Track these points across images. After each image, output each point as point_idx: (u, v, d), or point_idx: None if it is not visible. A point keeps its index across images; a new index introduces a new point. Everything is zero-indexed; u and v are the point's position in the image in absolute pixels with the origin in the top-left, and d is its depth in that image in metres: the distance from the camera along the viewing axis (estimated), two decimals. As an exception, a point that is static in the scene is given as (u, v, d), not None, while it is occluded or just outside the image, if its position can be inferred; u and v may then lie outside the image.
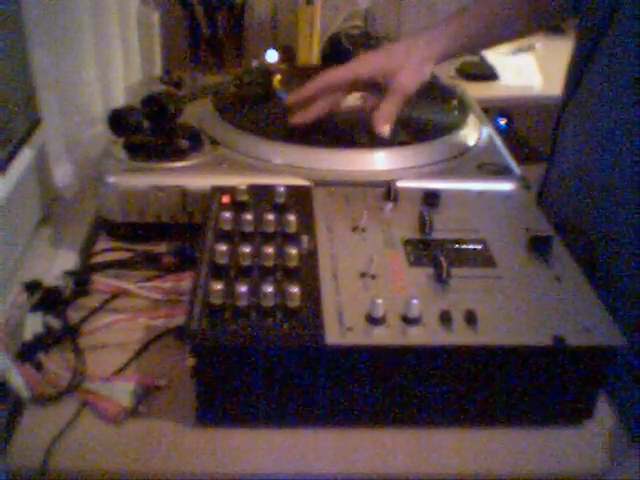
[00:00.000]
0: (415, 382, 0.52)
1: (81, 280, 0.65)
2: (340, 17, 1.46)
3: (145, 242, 0.74)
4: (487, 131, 0.86)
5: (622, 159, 0.69)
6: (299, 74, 0.95)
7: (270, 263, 0.57)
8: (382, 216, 0.66)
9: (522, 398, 0.54)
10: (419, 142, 0.79)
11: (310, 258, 0.59)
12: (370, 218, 0.65)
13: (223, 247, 0.57)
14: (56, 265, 0.71)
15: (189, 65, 1.30)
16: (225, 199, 0.67)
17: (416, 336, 0.51)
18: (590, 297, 0.56)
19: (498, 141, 0.84)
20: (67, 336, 0.60)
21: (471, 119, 0.86)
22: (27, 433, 0.53)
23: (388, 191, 0.69)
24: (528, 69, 1.52)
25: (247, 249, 0.57)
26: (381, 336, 0.51)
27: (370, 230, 0.64)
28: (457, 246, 0.61)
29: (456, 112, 0.89)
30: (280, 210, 0.65)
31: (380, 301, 0.51)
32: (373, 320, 0.51)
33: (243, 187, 0.67)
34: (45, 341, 0.59)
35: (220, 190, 0.68)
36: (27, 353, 0.58)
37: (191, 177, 0.73)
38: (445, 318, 0.52)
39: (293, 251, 0.57)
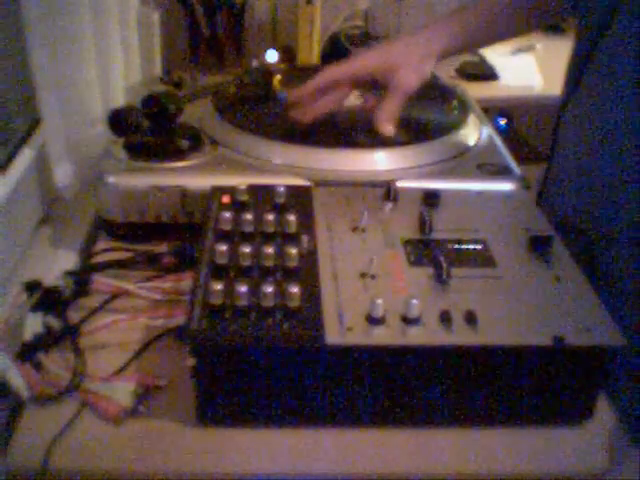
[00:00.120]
0: (415, 382, 0.52)
1: (81, 280, 0.65)
2: (340, 17, 1.46)
3: (145, 242, 0.74)
4: (487, 131, 0.86)
5: (622, 159, 0.69)
6: (299, 74, 0.94)
7: (270, 263, 0.57)
8: (382, 216, 0.66)
9: (522, 398, 0.54)
10: (419, 142, 0.79)
11: (310, 258, 0.59)
12: (370, 218, 0.65)
13: (223, 247, 0.57)
14: (56, 265, 0.70)
15: (189, 65, 1.30)
16: (225, 199, 0.67)
17: (416, 336, 0.51)
18: (590, 297, 0.56)
19: (498, 141, 0.84)
20: (67, 336, 0.60)
21: (471, 119, 0.86)
22: (27, 433, 0.53)
23: (388, 191, 0.69)
24: (528, 69, 1.52)
25: (247, 249, 0.57)
26: (381, 336, 0.51)
27: (370, 230, 0.64)
28: (457, 246, 0.61)
29: (456, 112, 0.89)
30: (280, 210, 0.65)
31: (380, 301, 0.51)
32: (373, 320, 0.51)
33: (243, 187, 0.67)
34: (45, 341, 0.59)
35: (220, 190, 0.68)
36: (27, 353, 0.58)
37: (191, 177, 0.73)
38: (445, 318, 0.52)
39: (293, 251, 0.57)
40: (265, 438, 0.53)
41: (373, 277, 0.57)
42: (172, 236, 0.73)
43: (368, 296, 0.53)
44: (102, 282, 0.66)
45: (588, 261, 0.70)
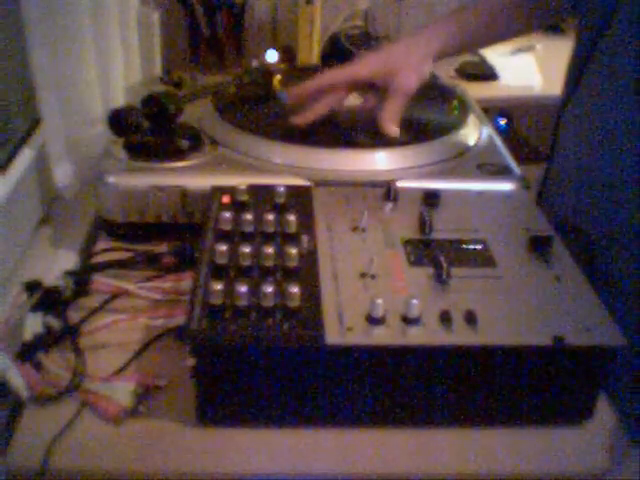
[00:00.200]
0: (415, 382, 0.52)
1: (81, 280, 0.65)
2: (340, 17, 1.46)
3: (145, 242, 0.74)
4: (487, 131, 0.86)
5: (622, 159, 0.69)
6: (299, 74, 0.94)
7: (270, 263, 0.57)
8: (382, 216, 0.66)
9: (522, 398, 0.54)
10: (419, 142, 0.79)
11: (310, 258, 0.59)
12: (370, 218, 0.65)
13: (223, 247, 0.57)
14: (56, 265, 0.71)
15: (189, 65, 1.31)
16: (225, 199, 0.67)
17: (416, 336, 0.51)
18: (590, 297, 0.56)
19: (498, 141, 0.84)
20: (67, 336, 0.60)
21: (471, 119, 0.86)
22: (27, 433, 0.53)
23: (388, 191, 0.69)
24: (528, 69, 1.52)
25: (247, 249, 0.57)
26: (381, 336, 0.51)
27: (370, 230, 0.64)
28: (457, 246, 0.61)
29: (456, 112, 0.89)
30: (280, 210, 0.65)
31: (380, 301, 0.51)
32: (373, 320, 0.51)
33: (243, 187, 0.67)
34: (45, 341, 0.59)
35: (220, 190, 0.68)
36: (27, 353, 0.58)
37: (191, 177, 0.73)
38: (445, 318, 0.52)
39: (293, 251, 0.57)
40: (265, 438, 0.53)
41: (373, 277, 0.57)
42: (172, 236, 0.73)
43: (368, 296, 0.53)
44: (102, 282, 0.66)
45: (588, 261, 0.70)
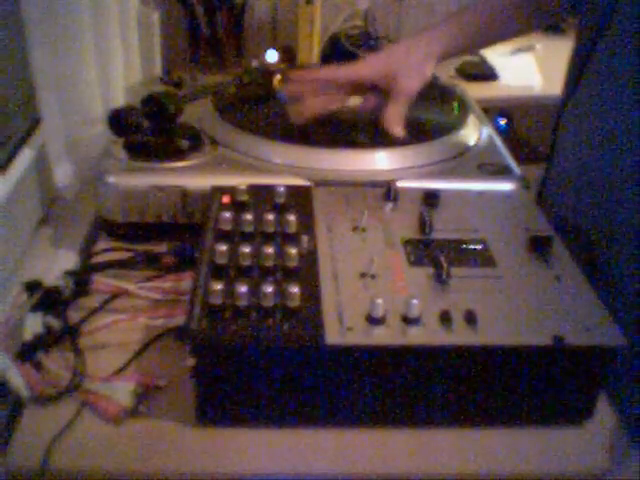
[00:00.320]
0: (415, 382, 0.52)
1: (81, 280, 0.65)
2: (340, 17, 1.46)
3: (145, 242, 0.74)
4: (487, 131, 0.86)
5: (622, 159, 0.69)
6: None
7: (270, 263, 0.57)
8: (382, 216, 0.66)
9: (522, 398, 0.54)
10: (419, 142, 0.79)
11: (310, 258, 0.59)
12: (370, 218, 0.65)
13: (223, 247, 0.57)
14: (56, 265, 0.70)
15: (189, 65, 1.31)
16: (225, 199, 0.67)
17: (416, 336, 0.51)
18: (590, 297, 0.56)
19: (498, 141, 0.84)
20: (67, 336, 0.60)
21: (471, 119, 0.86)
22: (27, 433, 0.53)
23: (388, 191, 0.69)
24: (528, 69, 1.52)
25: (247, 249, 0.57)
26: (381, 336, 0.51)
27: (370, 230, 0.64)
28: (457, 246, 0.61)
29: (456, 112, 0.89)
30: (280, 210, 0.65)
31: (380, 301, 0.51)
32: (373, 320, 0.51)
33: (243, 187, 0.67)
34: (45, 341, 0.59)
35: (220, 190, 0.68)
36: (27, 353, 0.58)
37: (191, 177, 0.73)
38: (445, 318, 0.52)
39: (293, 251, 0.57)
40: (265, 438, 0.53)
41: (373, 277, 0.57)
42: (172, 236, 0.73)
43: (368, 296, 0.53)
44: (102, 282, 0.66)
45: (588, 261, 0.69)
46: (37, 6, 0.71)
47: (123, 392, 0.55)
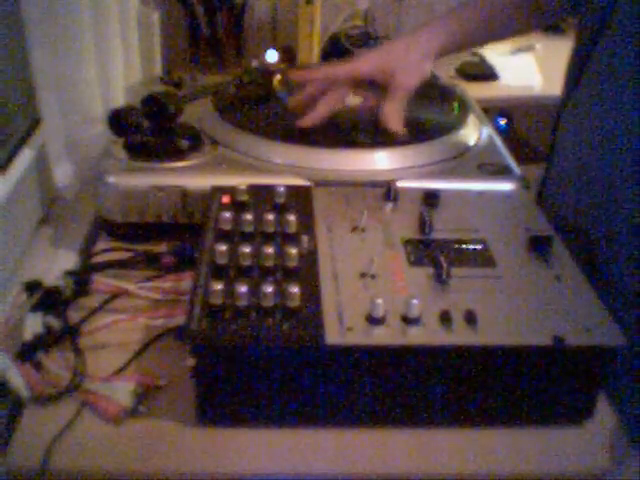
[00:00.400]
0: (415, 382, 0.52)
1: (81, 280, 0.65)
2: (340, 17, 1.46)
3: (145, 242, 0.74)
4: (487, 131, 0.86)
5: (622, 158, 0.69)
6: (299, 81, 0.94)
7: (270, 263, 0.57)
8: (382, 216, 0.66)
9: (522, 398, 0.54)
10: (419, 142, 0.79)
11: (310, 258, 0.59)
12: (370, 218, 0.65)
13: (223, 247, 0.57)
14: (56, 265, 0.71)
15: (189, 65, 1.31)
16: (225, 199, 0.67)
17: (416, 336, 0.51)
18: (590, 297, 0.56)
19: (498, 141, 0.84)
20: (67, 336, 0.60)
21: (471, 119, 0.86)
22: (27, 433, 0.53)
23: (388, 191, 0.69)
24: (528, 69, 1.52)
25: (247, 249, 0.57)
26: (381, 336, 0.51)
27: (370, 230, 0.64)
28: (457, 246, 0.61)
29: (456, 112, 0.89)
30: (280, 210, 0.65)
31: (380, 301, 0.51)
32: (373, 320, 0.51)
33: (243, 187, 0.67)
34: (45, 341, 0.59)
35: (220, 190, 0.68)
36: (27, 353, 0.58)
37: (191, 177, 0.73)
38: (445, 318, 0.52)
39: (293, 251, 0.57)
40: (265, 438, 0.53)
41: (373, 277, 0.57)
42: (172, 236, 0.73)
43: (368, 296, 0.53)
44: (102, 282, 0.66)
45: (588, 261, 0.69)
46: (37, 6, 0.70)
47: (123, 392, 0.55)
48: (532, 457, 0.53)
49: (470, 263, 0.59)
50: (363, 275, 0.57)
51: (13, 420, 0.55)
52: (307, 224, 0.64)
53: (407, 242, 0.62)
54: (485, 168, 0.77)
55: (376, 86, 0.80)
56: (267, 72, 0.96)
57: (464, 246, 0.62)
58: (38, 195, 0.80)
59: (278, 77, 0.95)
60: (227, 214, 0.62)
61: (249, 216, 0.62)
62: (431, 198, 0.68)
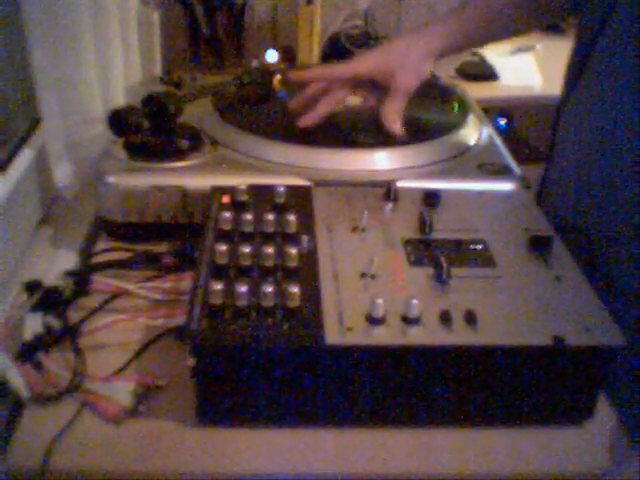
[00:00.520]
0: (415, 382, 0.52)
1: (81, 280, 0.65)
2: (340, 17, 1.46)
3: (145, 242, 0.74)
4: (487, 131, 0.86)
5: (622, 158, 0.69)
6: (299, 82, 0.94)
7: (270, 263, 0.57)
8: (382, 216, 0.66)
9: (522, 398, 0.54)
10: (419, 142, 0.79)
11: (310, 258, 0.59)
12: (370, 218, 0.65)
13: (223, 247, 0.57)
14: (56, 265, 0.71)
15: (189, 65, 1.31)
16: (225, 199, 0.67)
17: (416, 336, 0.51)
18: (590, 297, 0.56)
19: (498, 141, 0.84)
20: (67, 336, 0.60)
21: (471, 119, 0.86)
22: (27, 433, 0.53)
23: (388, 191, 0.69)
24: (528, 69, 1.52)
25: (247, 249, 0.57)
26: (381, 336, 0.51)
27: (370, 230, 0.64)
28: (457, 246, 0.61)
29: (456, 112, 0.89)
30: (280, 210, 0.65)
31: (380, 301, 0.51)
32: (373, 320, 0.51)
33: (243, 187, 0.67)
34: (45, 341, 0.59)
35: (220, 190, 0.68)
36: (27, 353, 0.58)
37: (191, 177, 0.73)
38: (445, 318, 0.52)
39: (293, 251, 0.57)
40: (265, 438, 0.53)
41: (373, 277, 0.57)
42: (172, 236, 0.73)
43: (368, 296, 0.53)
44: (102, 282, 0.66)
45: (588, 261, 0.69)
46: (37, 6, 0.71)
47: (123, 392, 0.55)
48: (532, 457, 0.53)
49: (470, 263, 0.59)
50: (363, 275, 0.57)
51: (13, 420, 0.55)
52: (307, 224, 0.64)
53: (407, 242, 0.62)
54: (485, 168, 0.77)
55: (376, 86, 0.80)
56: (267, 72, 0.96)
57: (464, 246, 0.62)
58: (38, 195, 0.80)
59: (278, 77, 0.95)
60: (227, 214, 0.62)
61: (249, 216, 0.62)
62: (431, 198, 0.68)
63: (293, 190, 0.68)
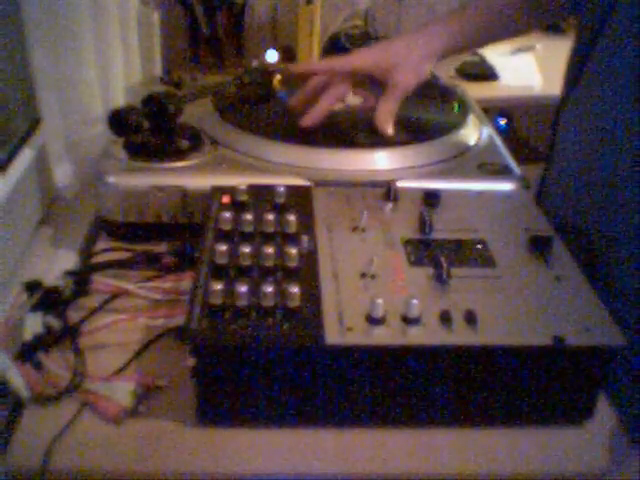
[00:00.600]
0: (415, 382, 0.52)
1: (81, 280, 0.65)
2: (340, 17, 1.46)
3: (145, 242, 0.74)
4: (487, 131, 0.86)
5: (621, 158, 0.69)
6: (299, 74, 0.94)
7: (270, 263, 0.57)
8: (382, 216, 0.66)
9: (522, 398, 0.54)
10: (419, 142, 0.79)
11: (310, 258, 0.59)
12: (370, 218, 0.65)
13: (223, 247, 0.57)
14: (56, 265, 0.70)
15: (189, 65, 1.31)
16: (225, 199, 0.67)
17: (416, 336, 0.51)
18: (590, 297, 0.56)
19: (498, 141, 0.84)
20: (67, 336, 0.60)
21: (471, 119, 0.86)
22: (27, 433, 0.53)
23: (388, 191, 0.69)
24: (528, 69, 1.52)
25: (247, 249, 0.57)
26: (381, 336, 0.51)
27: (370, 230, 0.64)
28: (457, 246, 0.61)
29: (456, 112, 0.89)
30: (280, 210, 0.65)
31: (380, 301, 0.51)
32: (373, 320, 0.51)
33: (243, 187, 0.67)
34: (45, 341, 0.59)
35: (220, 190, 0.68)
36: (27, 353, 0.58)
37: (191, 177, 0.73)
38: (445, 318, 0.52)
39: (293, 251, 0.57)
40: (265, 438, 0.53)
41: (373, 277, 0.57)
42: (172, 236, 0.73)
43: (368, 296, 0.53)
44: (102, 282, 0.66)
45: (588, 261, 0.69)
46: (37, 6, 0.71)
47: (123, 392, 0.55)
48: (532, 457, 0.53)
49: (470, 263, 0.59)
50: (363, 275, 0.57)
51: (13, 420, 0.55)
52: (307, 224, 0.64)
53: (407, 242, 0.62)
54: (485, 168, 0.77)
55: (376, 86, 0.80)
56: (267, 72, 0.96)
57: (464, 246, 0.62)
58: (38, 195, 0.80)
59: (278, 77, 0.95)
60: (227, 214, 0.62)
61: (249, 216, 0.62)
62: (431, 198, 0.68)
63: (293, 190, 0.68)
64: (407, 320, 0.51)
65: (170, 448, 0.52)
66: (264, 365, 0.51)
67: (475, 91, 1.08)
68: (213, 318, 0.51)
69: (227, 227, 0.62)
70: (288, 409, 0.53)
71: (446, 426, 0.55)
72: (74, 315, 0.63)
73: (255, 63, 1.25)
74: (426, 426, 0.54)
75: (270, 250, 0.57)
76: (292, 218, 0.62)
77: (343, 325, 0.51)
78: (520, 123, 1.56)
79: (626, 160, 0.69)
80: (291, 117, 0.81)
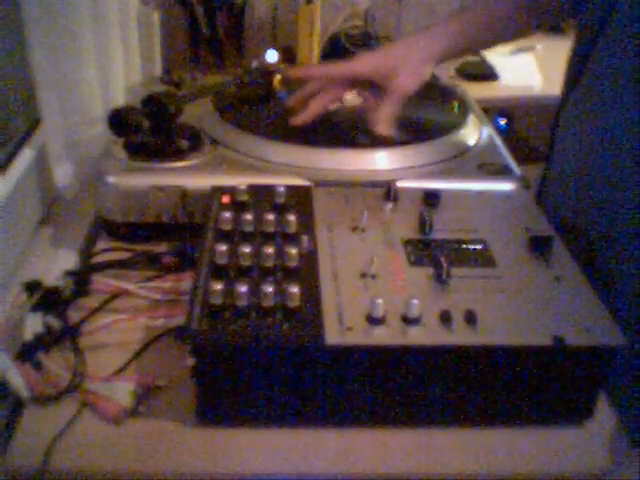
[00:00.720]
0: (415, 382, 0.52)
1: (81, 280, 0.65)
2: (340, 17, 1.46)
3: (145, 242, 0.74)
4: (487, 131, 0.86)
5: (621, 158, 0.69)
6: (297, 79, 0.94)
7: (270, 263, 0.57)
8: (382, 216, 0.66)
9: (522, 398, 0.54)
10: (419, 142, 0.79)
11: (310, 258, 0.59)
12: (370, 218, 0.65)
13: (223, 247, 0.57)
14: (56, 265, 0.70)
15: (189, 65, 1.31)
16: (225, 199, 0.67)
17: (416, 336, 0.51)
18: (590, 297, 0.56)
19: (498, 141, 0.84)
20: (67, 336, 0.60)
21: (471, 119, 0.86)
22: (27, 433, 0.53)
23: (388, 191, 0.69)
24: (528, 69, 1.52)
25: (247, 249, 0.57)
26: (381, 336, 0.51)
27: (370, 230, 0.64)
28: (457, 246, 0.61)
29: (456, 112, 0.89)
30: (280, 210, 0.65)
31: (380, 301, 0.51)
32: (373, 320, 0.51)
33: (243, 187, 0.67)
34: (45, 341, 0.59)
35: (220, 190, 0.68)
36: (27, 353, 0.58)
37: (191, 177, 0.73)
38: (445, 318, 0.52)
39: (293, 251, 0.57)
40: (265, 438, 0.53)
41: (373, 277, 0.57)
42: (172, 236, 0.73)
43: (368, 296, 0.53)
44: (102, 282, 0.66)
45: (588, 261, 0.69)
46: (37, 6, 0.70)
47: (123, 392, 0.55)
48: (532, 457, 0.53)
49: (470, 263, 0.59)
50: (363, 275, 0.57)
51: (13, 420, 0.55)
52: (307, 224, 0.64)
53: (407, 242, 0.62)
54: (485, 168, 0.77)
55: (377, 89, 0.80)
56: (267, 72, 0.96)
57: (464, 246, 0.62)
58: (38, 195, 0.80)
59: (278, 77, 0.95)
60: (227, 214, 0.62)
61: (249, 216, 0.62)
62: (431, 198, 0.68)
63: (293, 190, 0.68)
64: (407, 320, 0.51)
65: (170, 448, 0.52)
66: (264, 365, 0.51)
67: (475, 91, 1.08)
68: (213, 318, 0.51)
69: (227, 227, 0.62)
70: (288, 409, 0.53)
71: (446, 426, 0.55)
72: (74, 315, 0.63)
73: (255, 63, 1.25)
74: (426, 426, 0.55)
75: (270, 250, 0.57)
76: (292, 218, 0.62)
77: (343, 325, 0.51)
78: (520, 123, 1.56)
79: (626, 160, 0.69)
80: (290, 116, 0.81)
